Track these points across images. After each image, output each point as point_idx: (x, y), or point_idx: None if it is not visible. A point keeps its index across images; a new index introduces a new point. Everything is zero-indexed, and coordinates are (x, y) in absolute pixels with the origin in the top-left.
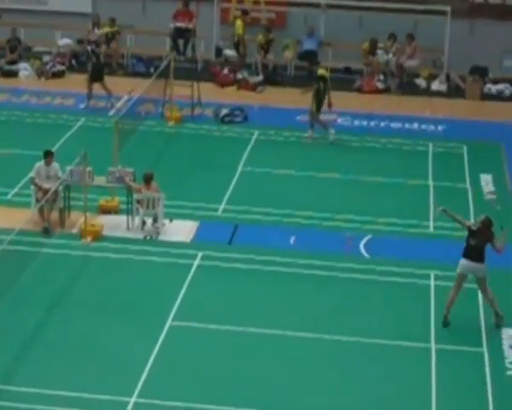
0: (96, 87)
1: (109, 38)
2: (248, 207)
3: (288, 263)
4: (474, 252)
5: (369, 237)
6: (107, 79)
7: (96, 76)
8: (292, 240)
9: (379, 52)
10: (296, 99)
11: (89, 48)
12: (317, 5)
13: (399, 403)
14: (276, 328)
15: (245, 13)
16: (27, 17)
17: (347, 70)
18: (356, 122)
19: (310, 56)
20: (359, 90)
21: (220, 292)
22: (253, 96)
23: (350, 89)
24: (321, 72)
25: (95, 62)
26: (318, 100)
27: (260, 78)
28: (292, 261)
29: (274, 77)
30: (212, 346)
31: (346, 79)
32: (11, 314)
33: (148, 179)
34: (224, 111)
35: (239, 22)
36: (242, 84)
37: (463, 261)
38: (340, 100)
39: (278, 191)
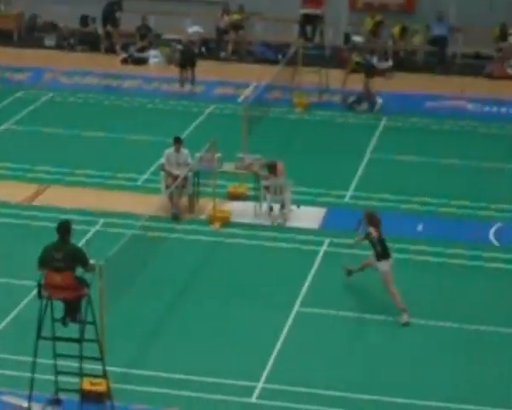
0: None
1: (238, 26)
2: (376, 193)
3: (417, 251)
4: None
5: (498, 224)
6: (235, 66)
7: (187, 62)
8: (420, 227)
9: (510, 38)
10: (425, 85)
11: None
12: None
13: None
14: (395, 315)
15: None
16: (157, 5)
17: (477, 55)
18: (486, 108)
19: (439, 42)
20: (489, 75)
21: (347, 279)
22: (381, 82)
23: (480, 74)
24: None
25: (184, 49)
26: None
27: (389, 63)
28: (421, 249)
29: (403, 63)
30: (338, 332)
31: (476, 65)
32: (142, 299)
33: (274, 166)
34: (352, 98)
35: (368, 20)
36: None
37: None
38: (470, 85)
39: (406, 178)
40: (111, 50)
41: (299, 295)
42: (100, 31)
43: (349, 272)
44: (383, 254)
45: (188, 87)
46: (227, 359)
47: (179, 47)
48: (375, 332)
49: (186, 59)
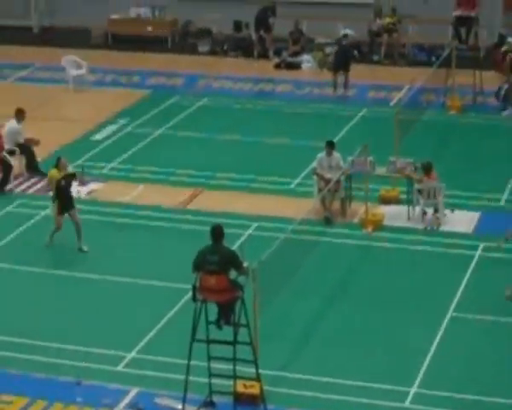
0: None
1: (391, 29)
2: None
3: None
4: None
5: None
6: (387, 69)
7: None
8: None
9: None
10: None
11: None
12: None
13: None
14: None
15: None
16: (309, 9)
17: None
18: None
19: None
20: None
21: (502, 284)
22: None
23: None
24: None
25: (338, 51)
26: None
27: None
28: None
29: None
30: (492, 338)
31: None
32: (293, 302)
33: (427, 169)
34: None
35: None
36: None
37: None
38: None
39: None
40: (264, 55)
41: (453, 300)
42: (253, 36)
43: None
44: None
45: (341, 91)
46: (379, 363)
47: (335, 48)
48: None
49: (340, 62)
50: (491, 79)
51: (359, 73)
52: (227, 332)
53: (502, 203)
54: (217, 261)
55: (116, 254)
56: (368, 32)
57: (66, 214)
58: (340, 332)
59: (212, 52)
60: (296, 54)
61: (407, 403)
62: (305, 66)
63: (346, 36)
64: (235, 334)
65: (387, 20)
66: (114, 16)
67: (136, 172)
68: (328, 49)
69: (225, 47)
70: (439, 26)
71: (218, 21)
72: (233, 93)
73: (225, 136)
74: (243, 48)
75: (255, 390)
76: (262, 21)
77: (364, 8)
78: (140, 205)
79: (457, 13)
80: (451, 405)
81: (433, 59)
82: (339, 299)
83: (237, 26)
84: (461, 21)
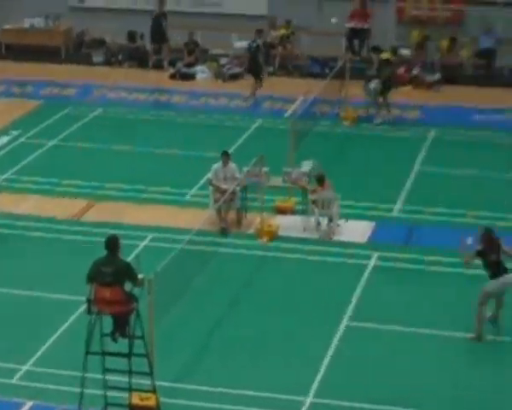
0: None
1: (285, 40)
2: (424, 207)
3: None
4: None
5: None
6: (282, 80)
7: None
8: (469, 241)
9: None
10: (473, 98)
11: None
12: (494, 3)
13: None
14: (451, 330)
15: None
16: (204, 20)
17: None
18: None
19: (487, 54)
20: None
21: (396, 293)
22: (429, 95)
23: None
24: (385, 55)
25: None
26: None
27: (437, 76)
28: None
29: (451, 75)
30: (388, 347)
31: None
32: (189, 313)
33: (321, 180)
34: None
35: (414, 33)
36: (419, 83)
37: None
38: None
39: (455, 191)
40: (159, 66)
41: (347, 309)
42: (148, 46)
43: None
44: (494, 276)
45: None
46: (275, 373)
47: (247, 55)
48: (424, 347)
49: (249, 69)
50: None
51: (251, 83)
52: (122, 344)
53: (395, 213)
54: (111, 273)
55: (7, 265)
56: (263, 44)
57: None
58: (238, 343)
59: (107, 62)
60: (191, 65)
61: None
62: (199, 76)
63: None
64: (131, 346)
65: (282, 31)
66: (7, 26)
67: (29, 183)
68: (223, 60)
69: (120, 57)
70: (333, 38)
71: (113, 31)
72: (128, 103)
73: (119, 146)
74: (138, 58)
75: (151, 402)
76: (157, 31)
77: (259, 20)
78: (32, 216)
79: (351, 25)
80: None
81: (327, 71)
82: (235, 309)
83: (131, 36)
84: (354, 34)
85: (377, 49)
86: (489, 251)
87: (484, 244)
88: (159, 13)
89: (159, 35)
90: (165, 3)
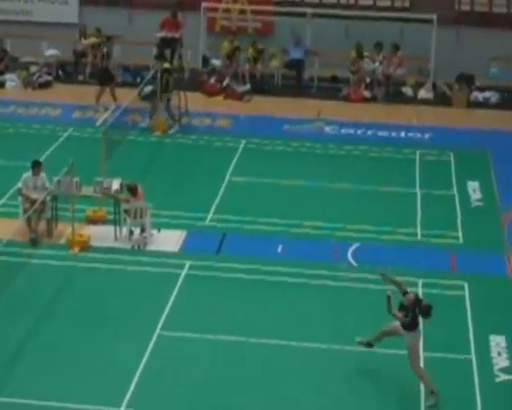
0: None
1: (96, 48)
2: (236, 216)
3: (276, 272)
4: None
5: (356, 245)
6: (93, 89)
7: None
8: (279, 249)
9: (365, 60)
10: (283, 108)
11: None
12: (304, 14)
13: None
14: (263, 337)
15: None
16: (13, 28)
17: (334, 79)
18: (343, 130)
19: (296, 65)
20: (346, 98)
21: (208, 301)
22: (240, 105)
23: (337, 97)
24: (166, 65)
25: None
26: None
27: (247, 87)
28: (279, 270)
29: (261, 86)
30: (201, 355)
31: (332, 88)
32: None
33: (133, 190)
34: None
35: (225, 44)
36: (229, 94)
37: None
38: (327, 108)
39: (265, 201)
40: None
41: (160, 318)
42: None
43: (368, 344)
44: (412, 324)
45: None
46: (88, 384)
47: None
48: (250, 355)
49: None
50: (195, 100)
51: (65, 92)
52: None
53: (207, 222)
54: None
55: None
56: (73, 52)
57: None
58: (50, 355)
59: None
60: (0, 72)
61: None
62: (9, 85)
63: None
64: None
65: (92, 39)
66: None
67: None
68: (33, 69)
69: None
70: (145, 47)
71: None
72: None
73: None
74: None
75: None
76: None
77: (69, 28)
78: None
79: (161, 34)
80: None
81: (139, 80)
82: (47, 321)
83: None
84: (165, 43)
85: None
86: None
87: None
88: None
89: None
90: None
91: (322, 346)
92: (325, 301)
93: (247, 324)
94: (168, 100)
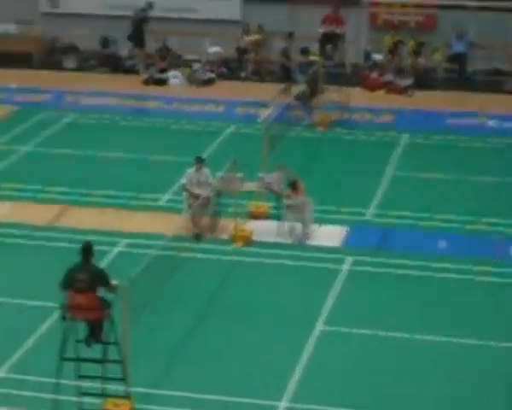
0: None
1: (258, 45)
2: (398, 211)
3: (440, 268)
4: None
5: None
6: (255, 85)
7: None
8: (442, 245)
9: None
10: (447, 102)
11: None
12: (466, 7)
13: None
14: (427, 334)
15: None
16: (176, 25)
17: (497, 72)
18: (505, 124)
19: (459, 59)
20: (510, 92)
21: (370, 297)
22: (402, 99)
23: (500, 91)
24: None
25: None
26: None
27: (410, 81)
28: (443, 266)
29: (424, 80)
30: (363, 351)
31: (495, 81)
32: (163, 319)
33: (294, 185)
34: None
35: (387, 38)
36: (391, 88)
37: None
38: (490, 102)
39: (428, 196)
40: (132, 71)
41: (321, 313)
42: (121, 52)
43: None
44: None
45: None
46: (250, 378)
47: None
48: (401, 350)
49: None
50: (357, 95)
51: (228, 89)
52: (96, 351)
53: (368, 217)
54: (86, 279)
55: None
56: (236, 49)
57: None
58: (212, 348)
59: (79, 68)
60: (164, 70)
61: None
62: (172, 81)
63: (214, 53)
64: (105, 352)
65: (255, 36)
66: None
67: (3, 189)
68: (196, 66)
69: (92, 63)
70: (306, 43)
71: (85, 37)
72: (101, 109)
73: (93, 152)
74: (110, 64)
75: (125, 408)
76: (137, 35)
77: (232, 25)
78: (6, 223)
79: (323, 29)
80: None
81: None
82: (209, 315)
83: (104, 41)
84: (327, 38)
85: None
86: None
87: None
88: (141, 17)
89: (138, 39)
90: (152, 8)
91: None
92: (490, 298)
93: (409, 320)
94: (312, 93)
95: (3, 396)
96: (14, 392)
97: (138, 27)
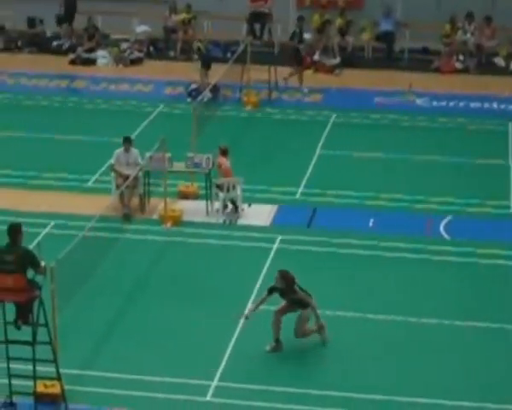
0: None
1: (186, 25)
2: (326, 190)
3: (367, 246)
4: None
5: (449, 218)
6: (184, 65)
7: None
8: (371, 222)
9: (459, 32)
10: (375, 81)
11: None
12: None
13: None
14: (354, 310)
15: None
16: (104, 5)
17: (425, 50)
18: (434, 103)
19: (387, 37)
20: (438, 70)
21: (299, 275)
22: (330, 78)
23: (428, 69)
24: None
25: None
26: None
27: (337, 60)
28: (371, 244)
29: (352, 59)
30: (290, 330)
31: (423, 60)
32: (93, 300)
33: (225, 152)
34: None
35: (315, 17)
36: (319, 67)
37: None
38: (419, 81)
39: (355, 174)
40: (58, 52)
41: (252, 292)
42: (48, 32)
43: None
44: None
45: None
46: (180, 358)
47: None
48: (331, 327)
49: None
50: (285, 75)
51: (156, 68)
52: (26, 332)
53: (297, 196)
54: (13, 261)
55: None
56: (163, 29)
57: None
58: (142, 329)
59: (6, 49)
60: (91, 50)
61: (208, 397)
62: (100, 61)
63: (142, 32)
64: (34, 334)
65: (183, 15)
66: None
67: None
68: (124, 45)
69: (19, 43)
70: (234, 23)
71: (12, 18)
72: (28, 89)
73: (19, 133)
74: (38, 44)
75: (56, 390)
76: (69, 13)
77: (159, 5)
78: None
79: (251, 9)
80: (253, 396)
81: (229, 55)
82: (140, 295)
83: (31, 22)
84: (255, 17)
85: None
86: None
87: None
88: None
89: (70, 16)
90: None
91: (425, 320)
92: (416, 273)
93: (337, 298)
94: None
95: None
96: None
97: (72, 3)
